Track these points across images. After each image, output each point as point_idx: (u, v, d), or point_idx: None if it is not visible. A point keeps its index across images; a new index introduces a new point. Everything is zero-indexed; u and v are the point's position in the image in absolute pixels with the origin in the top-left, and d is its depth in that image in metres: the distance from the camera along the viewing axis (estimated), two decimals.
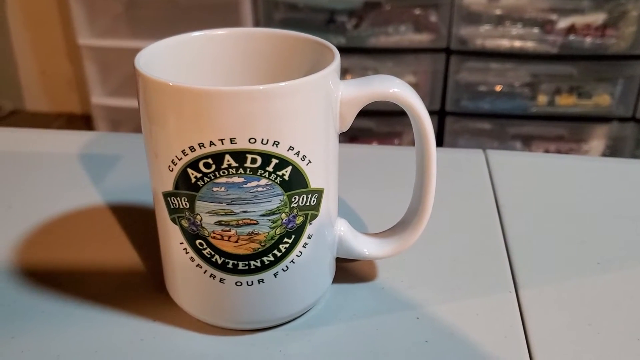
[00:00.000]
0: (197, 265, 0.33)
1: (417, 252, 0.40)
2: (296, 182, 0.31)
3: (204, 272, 0.33)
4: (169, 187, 0.31)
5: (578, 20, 1.69)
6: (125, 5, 1.95)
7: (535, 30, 1.71)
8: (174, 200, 0.32)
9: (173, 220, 0.32)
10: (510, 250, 0.42)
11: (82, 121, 2.33)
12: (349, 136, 1.67)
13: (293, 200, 0.31)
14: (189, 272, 0.33)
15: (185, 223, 0.32)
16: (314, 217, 0.33)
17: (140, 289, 0.38)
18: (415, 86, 1.79)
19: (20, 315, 0.36)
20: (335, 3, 1.73)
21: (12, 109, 2.44)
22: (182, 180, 0.31)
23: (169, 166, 0.31)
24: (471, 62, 1.75)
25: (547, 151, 1.86)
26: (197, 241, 0.32)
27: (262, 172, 0.30)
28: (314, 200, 0.32)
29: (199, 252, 0.32)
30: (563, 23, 1.70)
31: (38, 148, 0.55)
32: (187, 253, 0.33)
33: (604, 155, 1.82)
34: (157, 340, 0.34)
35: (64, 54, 2.32)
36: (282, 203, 0.31)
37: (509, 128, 1.84)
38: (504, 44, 1.73)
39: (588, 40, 1.70)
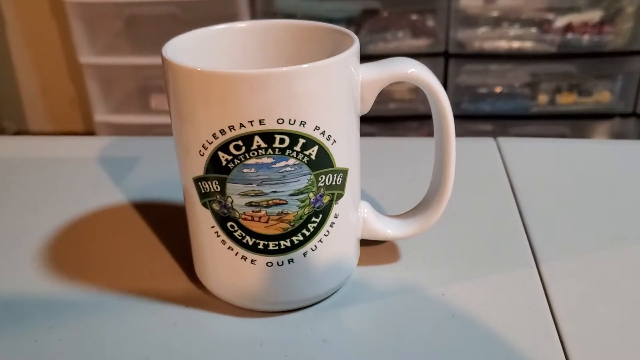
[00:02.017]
0: (228, 248, 0.34)
1: (438, 233, 0.41)
2: (322, 161, 0.32)
3: (236, 254, 0.34)
4: (200, 172, 0.32)
5: (575, 18, 1.71)
6: (124, 22, 1.97)
7: (533, 30, 1.73)
8: (205, 185, 0.33)
9: (204, 204, 0.33)
10: (528, 228, 0.43)
11: None
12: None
13: (320, 179, 0.32)
14: (220, 256, 0.34)
15: (216, 206, 0.33)
16: (340, 196, 0.34)
17: (170, 277, 0.39)
18: (415, 91, 1.80)
19: (56, 307, 0.37)
20: (333, 12, 1.75)
21: (15, 130, 2.46)
22: (213, 164, 0.32)
23: (200, 151, 0.32)
24: (470, 64, 1.76)
25: None
26: (229, 223, 0.33)
27: (290, 152, 0.31)
28: (339, 180, 0.33)
29: (230, 234, 0.33)
30: (560, 22, 1.71)
31: (59, 153, 0.56)
32: (218, 236, 0.34)
33: None
34: (190, 325, 0.35)
35: (65, 73, 2.34)
36: (310, 182, 0.32)
37: (511, 129, 1.85)
38: (502, 45, 1.74)
39: (586, 37, 1.72)
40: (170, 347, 0.34)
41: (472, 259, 0.40)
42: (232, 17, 1.77)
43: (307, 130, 0.31)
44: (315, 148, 0.32)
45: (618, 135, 1.81)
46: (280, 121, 0.30)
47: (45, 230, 0.45)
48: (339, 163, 0.33)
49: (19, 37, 2.30)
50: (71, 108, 2.41)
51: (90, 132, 2.29)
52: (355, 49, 0.33)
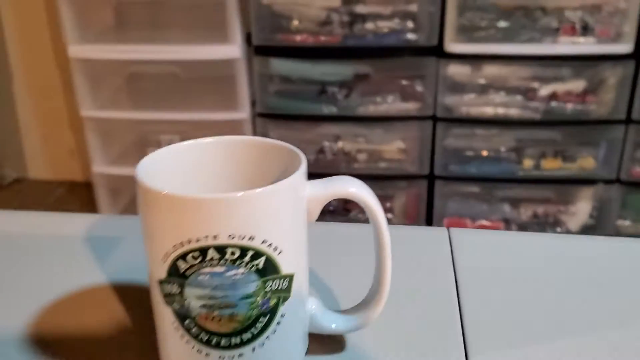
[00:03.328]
0: (186, 342, 0.38)
1: (380, 326, 0.46)
2: (269, 269, 0.37)
3: (192, 347, 0.38)
4: (163, 275, 0.37)
5: (559, 87, 1.77)
6: (126, 78, 2.04)
7: (518, 97, 1.79)
8: (167, 287, 0.38)
9: (166, 303, 0.38)
10: (464, 321, 0.47)
11: (84, 189, 2.40)
12: (345, 200, 1.73)
13: (267, 285, 0.37)
14: (179, 348, 0.39)
15: (176, 306, 0.38)
16: (286, 298, 0.39)
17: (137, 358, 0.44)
18: (405, 152, 1.86)
19: None
20: (327, 75, 1.81)
21: (15, 177, 2.52)
22: (173, 270, 0.37)
23: (162, 258, 0.37)
24: (457, 128, 1.82)
25: (535, 213, 1.91)
26: (186, 321, 0.38)
27: (240, 262, 0.36)
28: (285, 284, 0.38)
29: (188, 330, 0.38)
30: (545, 90, 1.77)
31: (42, 230, 0.61)
32: (178, 331, 0.38)
33: (592, 216, 1.87)
34: None
35: (66, 124, 2.40)
36: (258, 288, 0.37)
37: (497, 191, 1.90)
38: (488, 111, 1.80)
39: (569, 106, 1.78)
40: None
41: (411, 351, 0.44)
42: (230, 78, 1.84)
43: (255, 243, 0.36)
44: (263, 258, 0.37)
45: (602, 200, 1.86)
46: (231, 237, 0.35)
47: (30, 309, 0.49)
48: (285, 269, 0.38)
49: (24, 88, 2.37)
50: (71, 158, 2.47)
51: (87, 182, 2.34)
52: (303, 169, 0.38)
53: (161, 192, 0.35)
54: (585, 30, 1.72)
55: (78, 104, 1.95)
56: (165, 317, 0.39)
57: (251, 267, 0.36)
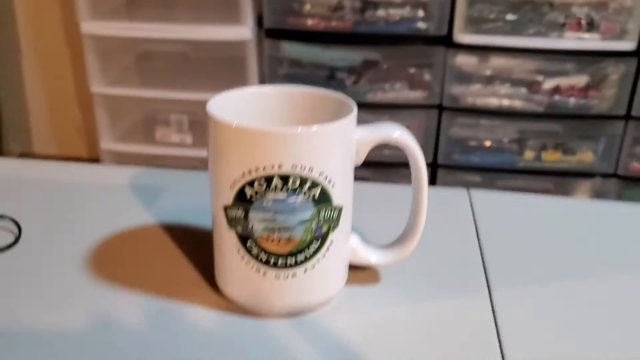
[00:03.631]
0: (246, 262, 0.43)
1: (411, 264, 0.51)
2: (323, 199, 0.42)
3: (252, 267, 0.43)
4: (229, 201, 0.42)
5: (563, 81, 1.81)
6: (137, 56, 2.07)
7: (523, 90, 1.82)
8: (232, 212, 0.42)
9: (230, 227, 0.43)
10: (485, 261, 0.52)
11: None
12: None
13: (321, 213, 0.42)
14: (239, 268, 0.44)
15: (239, 229, 0.43)
16: (335, 227, 0.44)
17: (195, 287, 0.49)
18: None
19: (97, 310, 0.46)
20: (336, 61, 1.84)
21: (20, 152, 2.55)
22: (240, 196, 0.42)
23: (230, 185, 0.42)
24: (462, 118, 1.85)
25: None
26: (248, 243, 0.43)
27: (300, 190, 0.41)
28: (335, 214, 0.43)
29: (249, 251, 0.43)
30: (548, 84, 1.81)
31: (90, 179, 0.66)
32: (239, 252, 0.43)
33: None
34: (210, 320, 0.45)
35: (74, 100, 2.43)
36: (313, 215, 0.42)
37: (498, 181, 1.94)
38: (493, 102, 1.84)
39: (572, 100, 1.81)
40: (196, 339, 0.43)
41: (437, 283, 0.50)
42: (240, 59, 1.87)
43: (314, 174, 0.41)
44: (319, 188, 0.41)
45: (599, 193, 1.90)
46: (294, 167, 0.40)
47: (85, 244, 0.54)
48: (336, 201, 0.43)
49: (33, 64, 2.40)
50: (77, 135, 2.51)
51: (93, 159, 2.38)
52: (354, 115, 0.43)
53: (233, 125, 0.40)
54: (591, 26, 1.75)
55: (87, 81, 1.97)
56: (228, 240, 0.44)
57: (308, 196, 0.41)
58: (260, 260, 0.43)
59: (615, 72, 1.79)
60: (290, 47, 1.85)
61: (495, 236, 0.57)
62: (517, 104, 1.84)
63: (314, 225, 0.42)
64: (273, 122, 0.48)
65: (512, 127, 1.87)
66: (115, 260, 0.52)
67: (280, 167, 0.40)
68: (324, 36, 1.81)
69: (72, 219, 0.58)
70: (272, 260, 0.43)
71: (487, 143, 1.90)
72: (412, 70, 1.81)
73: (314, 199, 0.42)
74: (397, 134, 0.44)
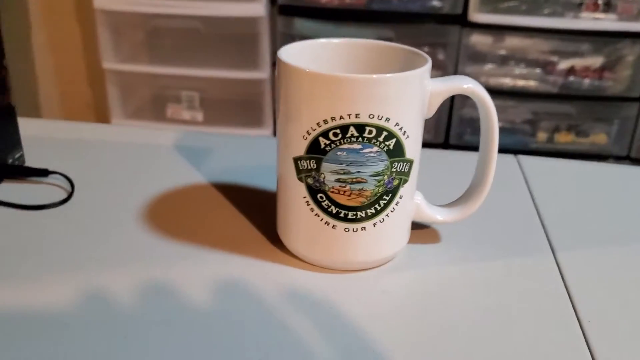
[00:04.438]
0: (315, 215, 0.43)
1: (472, 225, 0.51)
2: (397, 151, 0.41)
3: (321, 220, 0.43)
4: (301, 152, 0.41)
5: (577, 62, 1.80)
6: (148, 32, 2.06)
7: (537, 70, 1.82)
8: (303, 163, 0.42)
9: (300, 179, 0.42)
10: (545, 225, 0.52)
11: None
12: None
13: (393, 165, 0.42)
14: (307, 221, 0.43)
15: (310, 180, 0.42)
16: (405, 181, 0.43)
17: (255, 241, 0.48)
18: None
19: (154, 258, 0.46)
20: (349, 38, 1.83)
21: None
22: (313, 147, 0.41)
23: (304, 135, 0.41)
24: None
25: None
26: (319, 195, 0.42)
27: (375, 141, 0.40)
28: (407, 168, 0.42)
29: (318, 203, 0.42)
30: (563, 65, 1.80)
31: (141, 140, 0.65)
32: (308, 205, 0.43)
33: None
34: (273, 274, 0.44)
35: (84, 77, 2.42)
36: (386, 167, 0.41)
37: None
38: (507, 82, 1.84)
39: (586, 81, 1.81)
40: (256, 291, 0.42)
41: (498, 243, 0.49)
42: (253, 36, 1.86)
43: (390, 125, 0.40)
44: (394, 140, 0.41)
45: None
46: (371, 116, 0.39)
47: (138, 201, 0.53)
48: (408, 154, 0.42)
49: (43, 39, 2.38)
50: (87, 111, 2.49)
51: None
52: (428, 66, 0.42)
53: (306, 70, 0.39)
54: (608, 6, 1.74)
55: (99, 57, 1.96)
56: (296, 193, 0.43)
57: (383, 147, 0.41)
58: (331, 213, 0.42)
59: (631, 53, 1.78)
60: (303, 24, 1.84)
61: (550, 200, 0.56)
62: (531, 84, 1.83)
63: (386, 178, 0.42)
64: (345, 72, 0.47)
65: (525, 108, 1.87)
66: (169, 217, 0.51)
67: (357, 116, 0.39)
68: (337, 13, 1.80)
69: (122, 177, 0.57)
70: (342, 213, 0.42)
71: (500, 124, 1.89)
72: (426, 49, 1.80)
73: (388, 151, 0.41)
74: (470, 85, 0.44)
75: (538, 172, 0.61)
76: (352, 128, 0.40)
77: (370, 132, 0.40)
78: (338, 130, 0.40)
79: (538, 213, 0.54)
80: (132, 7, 1.90)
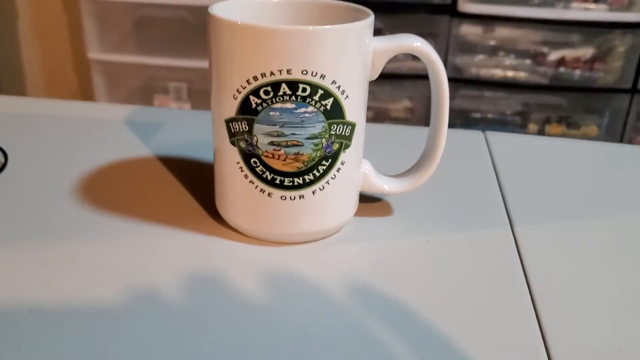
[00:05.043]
0: (250, 182, 0.40)
1: (425, 196, 0.47)
2: (336, 112, 0.38)
3: (255, 187, 0.40)
4: (232, 113, 0.38)
5: (568, 53, 1.78)
6: (135, 22, 2.03)
7: (527, 61, 1.79)
8: (235, 125, 0.39)
9: (232, 143, 0.39)
10: (506, 198, 0.49)
11: None
12: None
13: (332, 128, 0.38)
14: (242, 189, 0.40)
15: (243, 144, 0.39)
16: (347, 146, 0.40)
17: (193, 213, 0.45)
18: (411, 111, 1.87)
19: (90, 231, 0.43)
20: None
21: None
22: (244, 107, 0.38)
23: (234, 95, 0.38)
24: (465, 89, 1.82)
25: None
26: (252, 160, 0.39)
27: (310, 100, 0.37)
28: (348, 131, 0.39)
29: (252, 169, 0.39)
30: (554, 56, 1.78)
31: (89, 115, 0.62)
32: (242, 171, 0.40)
33: None
34: (210, 248, 0.41)
35: (71, 68, 2.39)
36: (324, 129, 0.38)
37: None
38: (497, 73, 1.81)
39: (577, 72, 1.78)
40: (193, 265, 0.39)
41: (454, 217, 0.46)
42: None
43: (326, 83, 0.37)
44: (331, 100, 0.38)
45: None
46: (304, 72, 0.36)
47: (76, 174, 0.50)
48: (349, 116, 0.39)
49: (29, 28, 2.35)
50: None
51: None
52: (370, 20, 0.39)
53: (237, 22, 0.36)
54: None
55: (85, 46, 1.94)
56: (229, 158, 0.40)
57: (320, 107, 0.37)
58: (265, 180, 0.39)
59: (622, 44, 1.76)
60: None
61: (513, 175, 0.53)
62: (522, 75, 1.81)
63: (324, 142, 0.39)
64: None
65: (516, 99, 1.84)
66: (107, 189, 0.48)
67: (289, 72, 0.36)
68: None
69: (63, 150, 0.54)
70: (278, 180, 0.39)
71: (490, 115, 1.87)
72: None
73: (325, 112, 0.38)
74: (418, 43, 0.40)
75: (505, 148, 0.58)
76: (284, 85, 0.37)
77: (304, 89, 0.37)
78: (269, 88, 0.37)
79: (500, 187, 0.51)
80: None
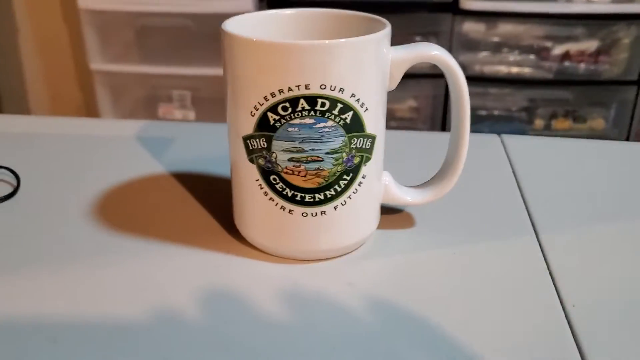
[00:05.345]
0: (269, 199, 0.39)
1: (448, 206, 0.47)
2: (355, 126, 0.37)
3: (275, 205, 0.39)
4: (250, 130, 0.38)
5: (572, 47, 1.77)
6: (136, 31, 2.02)
7: (531, 56, 1.78)
8: (253, 142, 0.38)
9: (251, 160, 0.38)
10: (528, 204, 0.48)
11: None
12: None
13: (352, 141, 0.38)
14: (262, 206, 0.39)
15: (261, 161, 0.38)
16: (368, 159, 0.39)
17: (211, 231, 0.44)
18: (416, 110, 1.86)
19: (107, 252, 0.42)
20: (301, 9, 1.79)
21: None
22: (262, 124, 0.37)
23: (251, 112, 0.37)
24: (470, 87, 1.79)
25: None
26: (272, 177, 0.38)
27: (329, 114, 0.36)
28: (368, 144, 0.39)
29: (272, 186, 0.38)
30: (558, 50, 1.77)
31: (99, 133, 0.62)
32: (261, 188, 0.39)
33: None
34: (231, 267, 0.40)
35: (74, 80, 2.39)
36: (344, 143, 0.37)
37: None
38: (502, 69, 1.80)
39: (582, 66, 1.77)
40: (213, 283, 0.38)
41: (478, 226, 0.45)
42: None
43: (345, 96, 0.36)
44: (350, 113, 0.37)
45: None
46: (322, 87, 0.36)
47: (90, 194, 0.49)
48: (369, 129, 0.38)
49: (30, 42, 2.35)
50: (79, 114, 2.46)
51: None
52: (387, 31, 0.38)
53: (252, 40, 0.35)
54: None
55: (87, 58, 1.93)
56: (248, 176, 0.39)
57: (339, 121, 0.37)
58: (286, 197, 0.38)
59: (626, 36, 1.74)
60: None
61: (534, 179, 0.52)
62: (526, 71, 1.80)
63: (345, 156, 0.38)
64: None
65: (521, 95, 1.83)
66: (122, 209, 0.47)
67: (307, 87, 0.35)
68: (327, 5, 1.75)
69: (75, 170, 0.54)
70: (298, 196, 0.38)
71: (496, 112, 1.86)
72: (418, 38, 1.77)
73: (345, 125, 0.37)
74: (436, 52, 0.39)
75: (522, 151, 0.57)
76: (302, 101, 0.36)
77: (323, 104, 0.36)
78: (287, 104, 0.36)
79: (521, 193, 0.50)
80: (119, 6, 1.86)
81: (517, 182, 0.51)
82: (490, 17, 1.74)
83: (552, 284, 0.39)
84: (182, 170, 0.53)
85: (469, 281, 0.39)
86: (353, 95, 0.36)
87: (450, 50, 1.72)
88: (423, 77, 1.76)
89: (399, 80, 0.40)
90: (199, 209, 0.47)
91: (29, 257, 0.41)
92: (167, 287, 0.38)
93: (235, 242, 0.43)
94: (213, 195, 0.49)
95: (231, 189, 0.42)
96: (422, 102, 1.85)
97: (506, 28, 1.76)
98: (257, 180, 0.39)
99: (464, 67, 1.75)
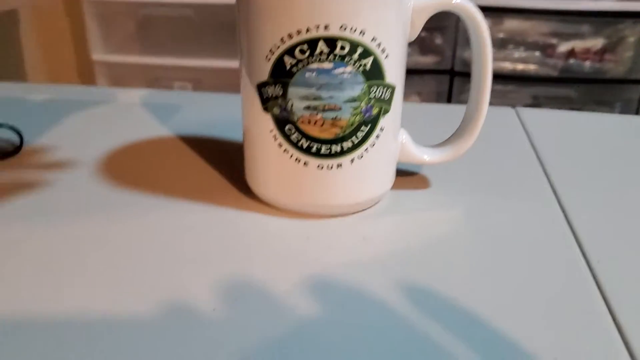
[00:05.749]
0: (284, 151, 0.37)
1: (464, 169, 0.45)
2: (375, 73, 0.36)
3: (290, 157, 0.37)
4: (264, 77, 0.36)
5: (578, 44, 1.76)
6: (138, 22, 2.01)
7: (537, 53, 1.77)
8: (268, 89, 0.36)
9: (265, 109, 0.37)
10: (545, 167, 0.46)
11: None
12: None
13: (371, 90, 0.36)
14: (275, 158, 0.38)
15: (276, 110, 0.36)
16: (387, 111, 0.37)
17: (222, 188, 0.42)
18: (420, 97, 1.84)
19: (115, 209, 0.40)
20: None
21: None
22: (278, 69, 0.35)
23: (267, 56, 0.35)
24: None
25: None
26: (287, 127, 0.37)
27: (349, 59, 0.35)
28: (388, 95, 0.37)
29: (287, 137, 0.37)
30: (563, 47, 1.76)
31: (101, 98, 0.60)
32: (275, 139, 0.37)
33: None
34: (244, 221, 0.39)
35: (75, 70, 2.37)
36: (363, 92, 0.36)
37: None
38: (507, 66, 1.79)
39: (587, 64, 1.76)
40: (225, 239, 0.37)
41: (495, 189, 0.43)
42: None
43: (366, 40, 0.35)
44: (371, 59, 0.35)
45: None
46: (342, 28, 0.34)
47: (97, 152, 0.48)
48: (389, 78, 0.37)
49: (31, 33, 2.33)
50: None
51: None
52: None
53: None
54: None
55: (88, 48, 1.91)
56: (262, 126, 0.37)
57: (359, 67, 0.35)
58: (301, 148, 0.37)
59: (632, 34, 1.73)
60: None
61: (551, 148, 0.51)
62: (531, 68, 1.79)
63: (363, 105, 0.36)
64: None
65: (526, 92, 1.82)
66: (129, 168, 0.46)
67: (326, 28, 0.34)
68: None
69: (80, 131, 0.52)
70: (314, 147, 0.37)
71: None
72: (423, 34, 1.76)
73: (364, 72, 0.35)
74: (459, 0, 0.38)
75: (538, 122, 0.56)
76: (321, 43, 0.34)
77: (342, 47, 0.34)
78: (305, 46, 0.34)
79: (538, 158, 0.48)
80: None
81: (534, 148, 0.50)
82: (495, 12, 1.72)
83: (574, 241, 0.37)
84: (189, 133, 0.52)
85: (489, 240, 0.37)
86: (374, 39, 0.35)
87: (455, 46, 1.71)
88: (426, 72, 1.75)
89: (419, 30, 0.38)
90: (208, 169, 0.45)
91: (35, 211, 0.40)
92: (177, 244, 0.37)
93: (246, 199, 0.41)
94: (221, 156, 0.47)
95: (243, 145, 0.41)
96: (425, 98, 1.83)
97: (512, 24, 1.75)
98: (271, 130, 0.37)
99: (468, 64, 1.73)
